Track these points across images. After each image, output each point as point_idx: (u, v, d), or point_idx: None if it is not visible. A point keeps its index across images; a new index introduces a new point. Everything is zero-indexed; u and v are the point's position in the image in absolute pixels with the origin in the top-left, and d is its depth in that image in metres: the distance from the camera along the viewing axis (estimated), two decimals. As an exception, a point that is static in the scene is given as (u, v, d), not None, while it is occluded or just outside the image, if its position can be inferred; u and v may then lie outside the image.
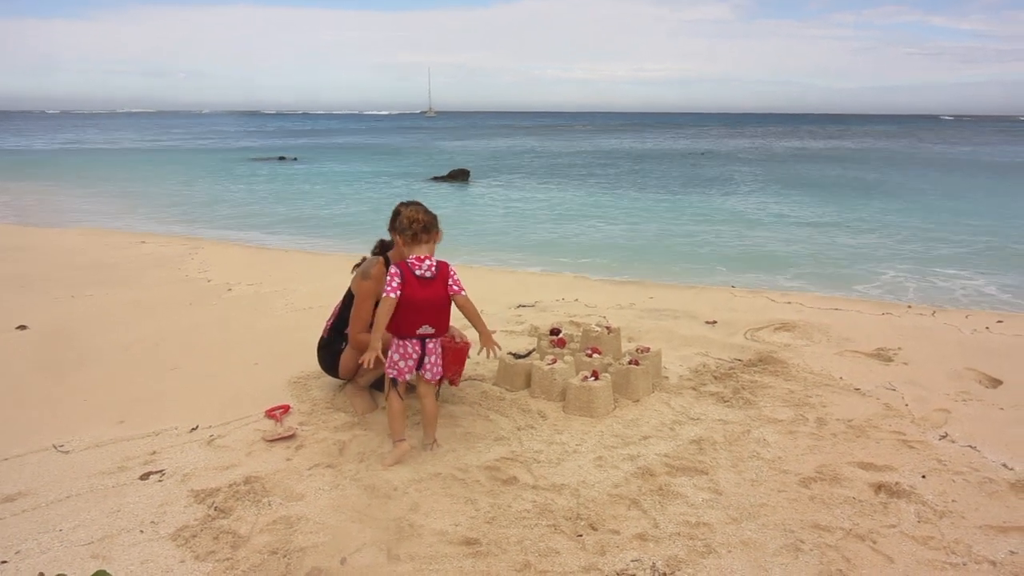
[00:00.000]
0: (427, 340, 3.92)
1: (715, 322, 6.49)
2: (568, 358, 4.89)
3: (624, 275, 10.06)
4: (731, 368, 5.30)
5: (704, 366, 5.37)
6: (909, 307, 7.18)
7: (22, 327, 6.51)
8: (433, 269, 3.86)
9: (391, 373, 3.96)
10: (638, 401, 4.72)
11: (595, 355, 4.97)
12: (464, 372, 5.02)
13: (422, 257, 3.87)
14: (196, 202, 19.81)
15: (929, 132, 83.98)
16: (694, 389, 4.94)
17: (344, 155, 42.37)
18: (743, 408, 4.61)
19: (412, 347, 3.91)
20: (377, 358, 3.81)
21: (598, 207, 19.07)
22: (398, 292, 3.79)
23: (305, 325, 6.49)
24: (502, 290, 7.85)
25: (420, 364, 3.96)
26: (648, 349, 5.06)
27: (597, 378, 4.60)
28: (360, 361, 3.88)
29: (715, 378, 5.12)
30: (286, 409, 4.72)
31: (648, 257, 11.97)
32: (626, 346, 5.52)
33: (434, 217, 4.02)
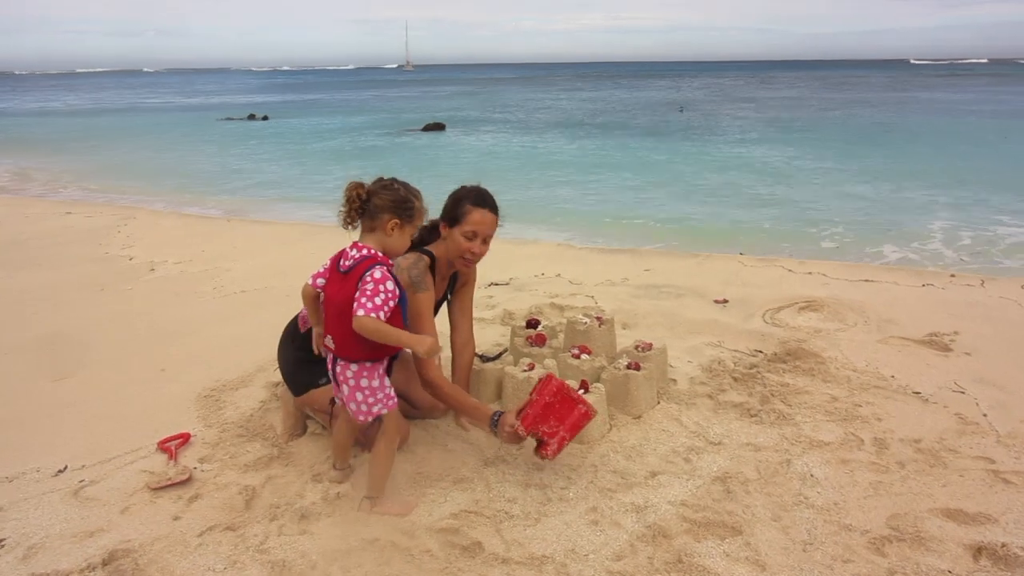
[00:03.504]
0: (337, 362, 2.82)
1: (726, 301, 5.44)
2: (549, 361, 3.82)
3: (613, 239, 8.97)
4: (753, 366, 4.26)
5: (719, 363, 4.32)
6: (952, 276, 6.13)
7: None
8: (351, 263, 2.74)
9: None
10: (640, 417, 3.67)
11: (583, 356, 3.91)
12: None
13: (358, 245, 2.78)
14: (145, 167, 18.07)
15: (911, 77, 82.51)
16: (710, 397, 3.89)
17: (316, 111, 40.62)
18: (776, 425, 3.57)
19: (330, 363, 2.90)
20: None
21: (582, 160, 17.85)
22: (316, 281, 2.87)
23: (232, 315, 5.40)
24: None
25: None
26: (650, 345, 4.01)
27: (587, 390, 3.54)
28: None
29: (735, 380, 4.07)
30: (185, 439, 3.65)
31: (640, 216, 10.84)
32: (621, 340, 4.47)
33: (390, 196, 2.78)
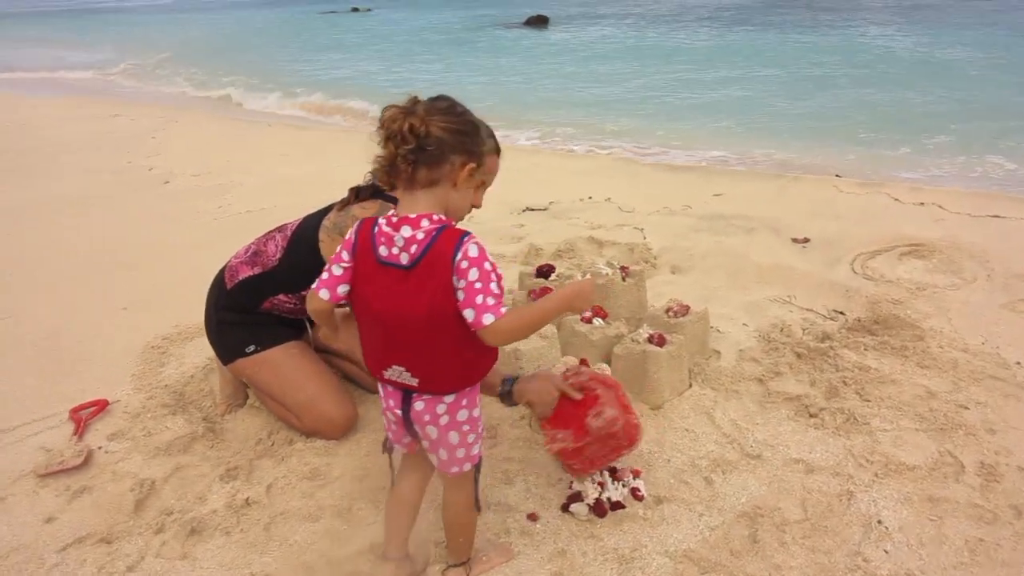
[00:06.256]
0: (413, 396, 1.83)
1: (807, 240, 4.37)
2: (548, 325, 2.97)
3: (692, 149, 7.76)
4: (827, 336, 3.25)
5: (783, 329, 3.34)
6: (1113, 214, 4.80)
7: None
8: (415, 248, 1.68)
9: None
10: (659, 409, 2.79)
11: (596, 320, 3.03)
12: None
13: (404, 219, 1.71)
14: (225, 65, 17.43)
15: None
16: (760, 382, 2.95)
17: (420, 2, 39.24)
18: (843, 432, 2.63)
19: (391, 398, 1.88)
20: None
21: (691, 58, 16.06)
22: (335, 290, 1.79)
23: (222, 241, 4.73)
24: (510, 180, 5.79)
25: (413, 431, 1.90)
26: (687, 309, 3.08)
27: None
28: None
29: (798, 357, 3.10)
30: (101, 407, 3.04)
31: (733, 119, 9.43)
32: (666, 289, 3.55)
33: (457, 124, 1.72)
